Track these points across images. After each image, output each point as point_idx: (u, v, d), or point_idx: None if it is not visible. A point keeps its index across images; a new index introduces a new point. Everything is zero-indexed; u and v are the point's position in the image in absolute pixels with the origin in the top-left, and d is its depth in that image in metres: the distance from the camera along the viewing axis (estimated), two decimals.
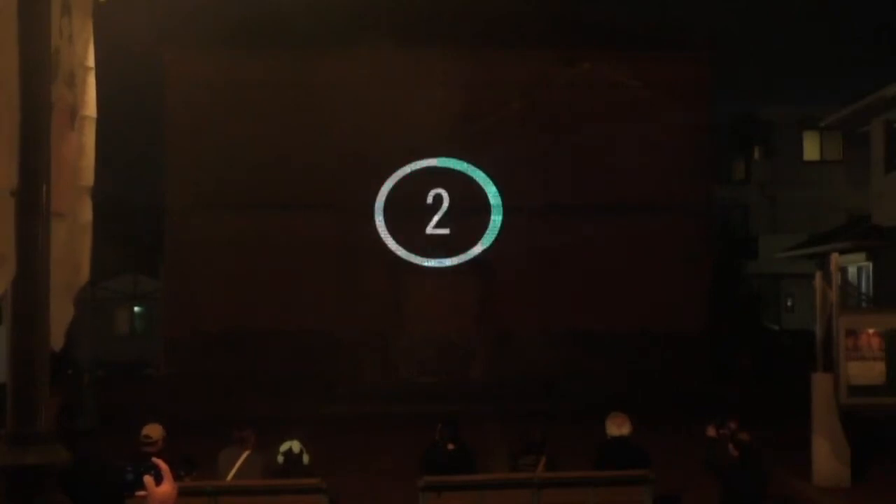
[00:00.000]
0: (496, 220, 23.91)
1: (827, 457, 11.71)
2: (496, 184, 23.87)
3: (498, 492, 8.23)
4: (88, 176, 3.06)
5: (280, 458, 8.20)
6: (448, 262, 23.91)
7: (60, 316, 2.70)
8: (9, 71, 2.54)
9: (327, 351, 23.03)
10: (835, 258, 12.63)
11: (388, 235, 23.73)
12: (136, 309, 32.63)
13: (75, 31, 2.96)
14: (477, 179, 23.89)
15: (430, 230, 23.70)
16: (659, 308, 23.17)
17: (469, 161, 23.69)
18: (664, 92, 23.49)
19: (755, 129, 36.41)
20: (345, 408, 19.77)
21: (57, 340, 2.67)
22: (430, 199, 23.56)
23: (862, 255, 21.67)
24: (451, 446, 8.86)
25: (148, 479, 2.83)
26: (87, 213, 3.04)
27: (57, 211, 2.62)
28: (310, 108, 23.38)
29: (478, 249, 23.95)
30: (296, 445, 8.20)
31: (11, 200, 2.54)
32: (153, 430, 8.29)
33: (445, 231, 23.73)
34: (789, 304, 34.14)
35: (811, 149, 35.59)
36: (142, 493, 2.85)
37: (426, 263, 23.92)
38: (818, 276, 12.34)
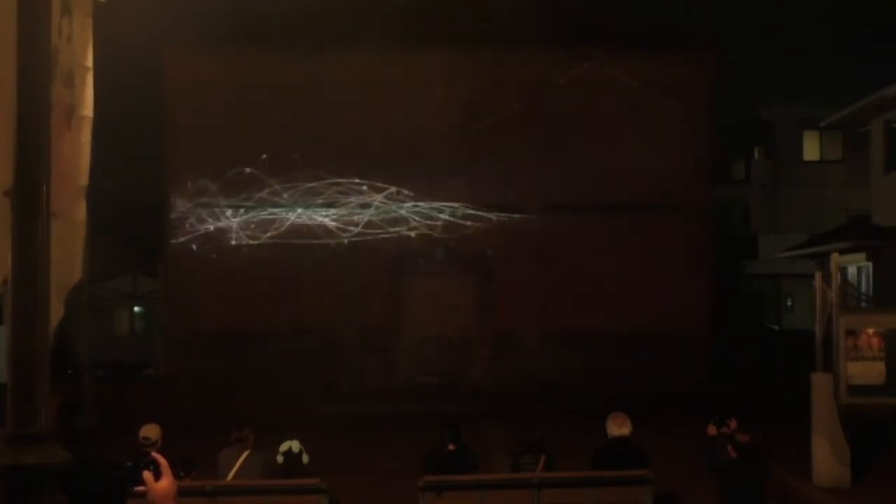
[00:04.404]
0: (496, 220, 23.89)
1: (827, 457, 11.70)
2: (496, 183, 23.85)
3: (498, 492, 8.23)
4: (84, 175, 3.06)
5: (280, 458, 8.20)
6: (448, 262, 23.91)
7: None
8: (8, 71, 2.55)
9: (327, 351, 23.05)
10: (835, 258, 12.62)
11: (390, 235, 23.73)
12: (136, 309, 32.61)
13: (75, 31, 2.96)
14: (477, 179, 23.85)
15: (430, 230, 23.69)
16: (659, 308, 23.19)
17: (469, 161, 23.67)
18: (664, 92, 23.50)
19: (755, 129, 36.41)
20: (345, 408, 19.78)
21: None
22: (430, 199, 23.56)
23: (862, 255, 21.66)
24: (451, 448, 8.85)
25: (147, 475, 2.84)
26: (81, 212, 3.04)
27: (53, 211, 2.62)
28: (310, 108, 23.39)
29: (478, 249, 23.94)
30: (295, 445, 8.20)
31: (6, 201, 2.54)
32: (151, 431, 8.30)
33: (446, 231, 23.72)
34: (789, 304, 34.13)
35: (811, 149, 35.59)
36: (141, 488, 2.85)
37: (426, 263, 23.91)
38: (818, 276, 12.33)
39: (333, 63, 23.53)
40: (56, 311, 2.82)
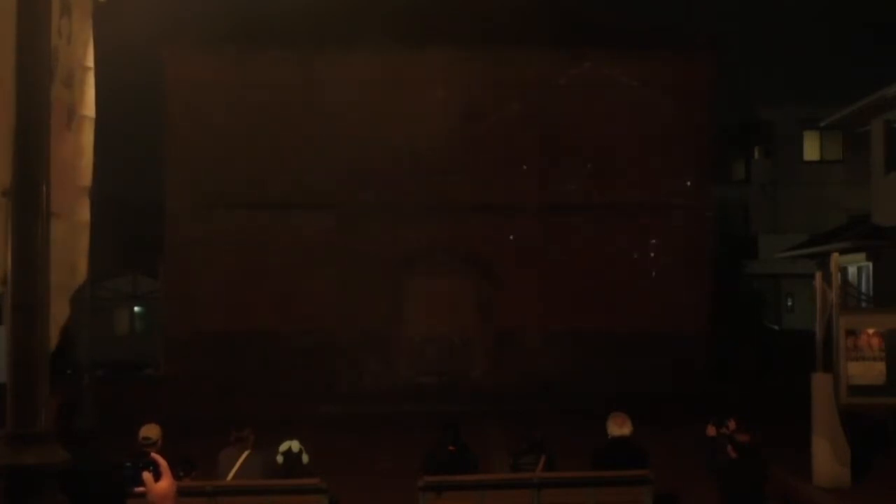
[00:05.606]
0: (496, 220, 23.89)
1: (827, 457, 11.70)
2: (497, 183, 23.85)
3: (498, 492, 8.23)
4: (87, 176, 3.05)
5: (280, 458, 8.20)
6: (448, 262, 23.89)
7: (55, 316, 2.70)
8: (8, 71, 2.55)
9: (327, 351, 23.05)
10: (835, 258, 12.61)
11: (388, 235, 23.72)
12: (136, 309, 32.62)
13: (74, 31, 2.96)
14: (477, 179, 23.84)
15: (430, 230, 23.70)
16: (659, 308, 23.18)
17: (469, 161, 23.66)
18: (664, 92, 23.50)
19: (755, 129, 36.41)
20: (345, 408, 19.77)
21: (51, 340, 2.67)
22: (430, 199, 23.56)
23: (862, 255, 21.66)
24: (451, 448, 8.86)
25: (147, 476, 2.83)
26: (84, 213, 3.04)
27: (54, 211, 2.62)
28: (310, 108, 23.39)
29: (478, 249, 23.94)
30: (295, 445, 8.20)
31: (5, 201, 2.54)
32: (151, 431, 8.30)
33: (446, 231, 23.72)
34: (789, 304, 34.13)
35: (811, 149, 35.58)
36: (141, 489, 2.85)
37: (426, 263, 23.89)
38: (818, 276, 12.32)
39: (333, 63, 23.53)
40: (61, 311, 2.82)
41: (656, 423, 12.83)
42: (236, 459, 8.55)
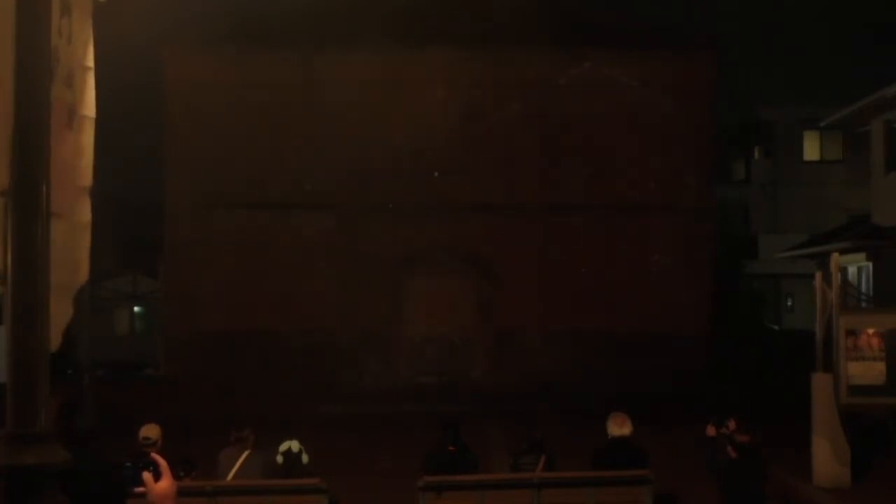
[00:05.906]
0: (496, 220, 23.89)
1: (827, 457, 11.70)
2: (497, 183, 23.85)
3: (498, 492, 8.23)
4: (87, 176, 3.05)
5: (279, 458, 8.19)
6: (448, 262, 23.89)
7: (58, 316, 2.70)
8: (7, 71, 2.55)
9: (327, 351, 23.05)
10: (835, 258, 12.60)
11: (388, 235, 23.72)
12: (136, 309, 32.60)
13: (74, 31, 2.96)
14: (477, 179, 23.85)
15: (430, 230, 23.69)
16: (659, 308, 23.18)
17: (469, 161, 23.67)
18: (664, 92, 23.51)
19: (755, 129, 36.41)
20: (345, 408, 19.77)
21: (54, 341, 2.67)
22: (430, 199, 23.55)
23: (862, 255, 21.66)
24: (451, 448, 8.85)
25: (147, 476, 2.83)
26: (85, 213, 3.04)
27: (55, 211, 2.62)
28: (310, 108, 23.39)
29: (478, 249, 23.94)
30: (295, 445, 8.20)
31: (4, 201, 2.54)
32: (151, 431, 8.30)
33: (446, 231, 23.72)
34: (789, 304, 34.13)
35: (811, 149, 35.58)
36: (140, 489, 2.85)
37: (426, 263, 23.89)
38: (818, 276, 12.31)
39: (333, 63, 23.53)
40: (64, 312, 2.82)
41: (656, 423, 12.83)
42: (236, 459, 8.55)
